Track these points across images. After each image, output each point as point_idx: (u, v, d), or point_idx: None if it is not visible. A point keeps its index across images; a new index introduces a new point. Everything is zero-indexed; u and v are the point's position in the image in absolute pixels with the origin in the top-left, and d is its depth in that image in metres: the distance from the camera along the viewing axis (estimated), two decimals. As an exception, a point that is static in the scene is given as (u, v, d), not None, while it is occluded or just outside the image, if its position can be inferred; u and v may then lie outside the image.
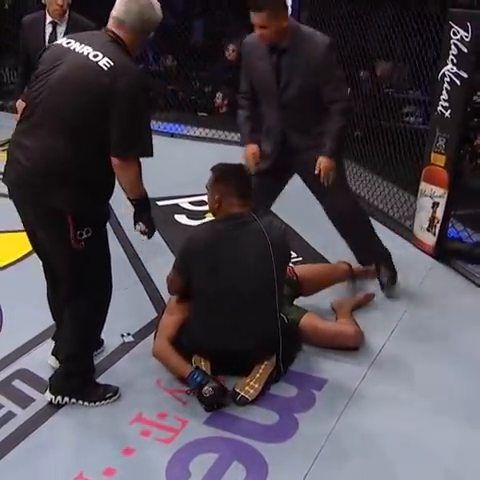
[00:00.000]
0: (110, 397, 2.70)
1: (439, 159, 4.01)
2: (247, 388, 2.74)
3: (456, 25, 3.75)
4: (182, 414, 2.66)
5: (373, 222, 4.68)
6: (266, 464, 2.40)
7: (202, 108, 7.71)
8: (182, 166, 5.68)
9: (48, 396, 2.66)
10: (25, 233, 2.67)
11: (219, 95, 7.60)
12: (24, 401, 2.70)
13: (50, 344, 2.92)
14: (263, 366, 2.80)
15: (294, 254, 4.00)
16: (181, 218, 4.73)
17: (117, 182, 2.51)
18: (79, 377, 2.68)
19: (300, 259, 4.00)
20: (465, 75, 3.76)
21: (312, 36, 3.19)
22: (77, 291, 2.57)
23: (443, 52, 3.89)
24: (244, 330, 2.80)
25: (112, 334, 3.10)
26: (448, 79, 3.85)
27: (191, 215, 4.73)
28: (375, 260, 3.66)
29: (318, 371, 2.96)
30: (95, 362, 2.90)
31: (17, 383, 2.82)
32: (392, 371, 2.98)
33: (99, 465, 2.38)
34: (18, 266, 3.86)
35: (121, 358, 3.02)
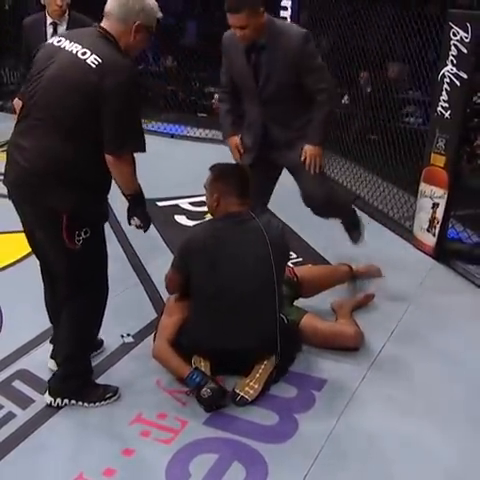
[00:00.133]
0: (110, 397, 2.70)
1: (439, 160, 4.01)
2: (247, 389, 2.74)
3: (456, 26, 3.75)
4: (182, 415, 2.66)
5: (373, 223, 4.73)
6: (266, 464, 2.40)
7: (202, 109, 7.72)
8: (182, 167, 5.68)
9: (47, 398, 2.66)
10: (24, 234, 2.67)
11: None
12: (24, 402, 2.70)
13: (50, 346, 2.92)
14: (263, 366, 2.80)
15: (294, 254, 4.01)
16: (181, 219, 4.73)
17: (114, 181, 2.51)
18: (77, 379, 2.67)
19: (300, 260, 4.00)
20: (465, 76, 3.76)
21: (288, 29, 3.19)
22: (75, 290, 2.57)
23: (443, 53, 3.89)
24: (243, 329, 2.80)
25: (112, 335, 3.10)
26: (448, 80, 3.86)
27: (191, 216, 4.73)
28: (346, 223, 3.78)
29: (318, 371, 2.96)
30: (95, 363, 2.90)
31: (17, 384, 2.81)
32: (392, 372, 2.98)
33: (99, 465, 2.38)
34: (18, 267, 3.86)
35: (121, 359, 3.02)
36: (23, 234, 2.68)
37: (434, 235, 4.10)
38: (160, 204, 4.92)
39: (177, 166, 5.77)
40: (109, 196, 2.60)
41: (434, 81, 4.04)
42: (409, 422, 2.66)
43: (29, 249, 2.76)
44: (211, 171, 2.91)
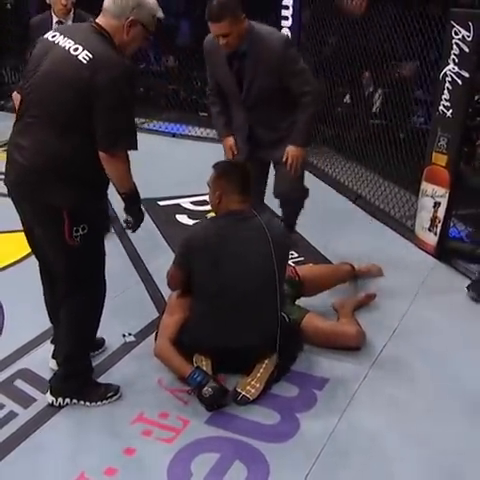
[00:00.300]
0: (111, 396, 2.71)
1: (440, 159, 4.00)
2: (248, 388, 2.74)
3: (458, 25, 3.74)
4: (183, 414, 2.66)
5: (375, 222, 4.73)
6: (267, 464, 2.40)
7: (203, 108, 7.68)
8: (183, 166, 5.67)
9: (49, 398, 2.67)
10: (24, 233, 2.67)
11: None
12: (26, 401, 2.71)
13: (51, 345, 2.92)
14: (264, 365, 2.80)
15: (295, 253, 4.01)
16: (182, 218, 4.73)
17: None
18: (78, 378, 2.68)
19: (302, 259, 4.00)
20: (467, 75, 3.76)
21: (268, 35, 3.19)
22: (74, 288, 2.57)
23: (445, 52, 3.88)
24: (245, 327, 2.80)
25: (113, 334, 3.11)
26: (450, 79, 3.85)
27: (192, 215, 4.72)
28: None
29: (319, 371, 2.96)
30: (96, 362, 2.90)
31: (19, 383, 2.82)
32: (393, 371, 2.98)
33: (100, 465, 2.39)
34: (19, 266, 3.85)
35: (122, 358, 3.02)
36: (24, 233, 2.68)
37: (435, 234, 4.10)
38: (161, 203, 4.92)
39: (178, 165, 5.77)
40: (109, 194, 2.60)
41: (436, 80, 4.04)
42: (410, 421, 2.66)
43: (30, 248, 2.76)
44: (214, 169, 2.93)
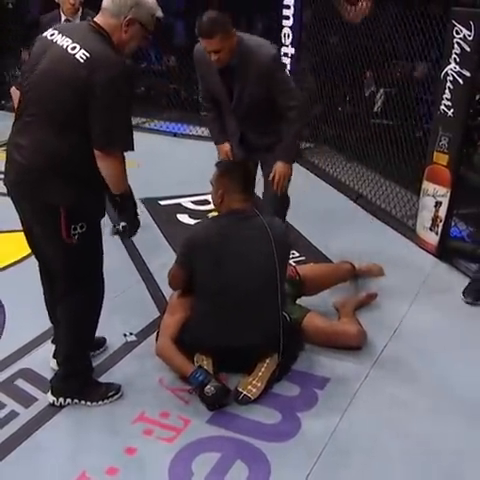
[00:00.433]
0: (112, 396, 2.71)
1: (442, 158, 4.00)
2: (249, 387, 2.74)
3: (459, 24, 3.74)
4: (185, 413, 2.66)
5: (376, 221, 4.73)
6: (269, 463, 2.40)
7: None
8: (184, 165, 5.68)
9: (50, 398, 2.67)
10: (23, 232, 2.67)
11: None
12: (27, 400, 2.71)
13: (52, 345, 2.92)
14: (265, 364, 2.80)
15: (296, 253, 4.01)
16: (183, 217, 4.73)
17: None
18: (78, 378, 2.68)
19: (303, 258, 4.00)
20: (468, 74, 3.75)
21: (257, 49, 3.16)
22: (72, 286, 2.56)
23: (446, 51, 3.88)
24: (246, 326, 2.80)
25: (115, 333, 3.11)
26: (451, 78, 3.85)
27: (193, 214, 4.72)
28: None
29: (320, 370, 2.96)
30: (98, 361, 2.90)
31: (20, 382, 2.82)
32: (394, 370, 2.97)
33: (102, 464, 2.39)
34: (20, 265, 3.85)
35: (124, 357, 3.02)
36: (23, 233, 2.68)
37: (437, 234, 4.10)
38: (162, 203, 4.92)
39: (179, 165, 5.77)
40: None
41: (437, 79, 4.03)
42: (411, 421, 2.66)
43: (31, 248, 2.76)
44: (217, 167, 2.94)
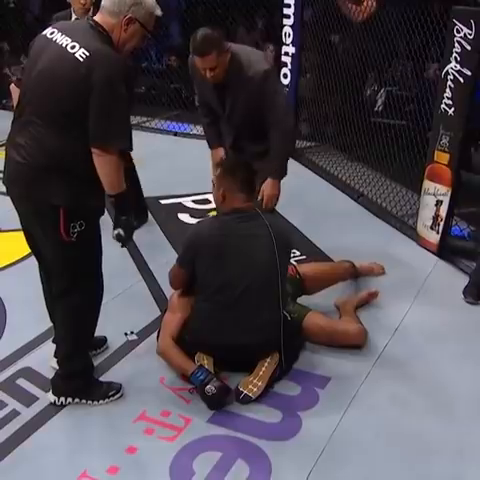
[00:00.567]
0: (113, 395, 2.71)
1: (442, 157, 4.00)
2: (250, 386, 2.74)
3: (460, 23, 3.74)
4: (186, 412, 2.66)
5: (376, 220, 4.73)
6: (270, 462, 2.41)
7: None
8: (185, 165, 5.68)
9: (51, 397, 2.67)
10: (22, 231, 2.67)
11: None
12: (28, 399, 2.71)
13: (53, 345, 2.93)
14: (266, 363, 2.81)
15: (297, 252, 4.01)
16: (184, 217, 4.73)
17: None
18: (78, 377, 2.68)
19: (304, 257, 4.00)
20: (469, 73, 3.75)
21: (249, 65, 3.15)
22: (71, 285, 2.56)
23: (447, 50, 3.88)
24: (247, 325, 2.80)
25: (116, 332, 3.11)
26: (452, 77, 3.84)
27: (194, 214, 4.72)
28: None
29: (321, 369, 2.96)
30: (99, 361, 2.91)
31: (21, 381, 2.82)
32: (395, 369, 2.97)
33: (103, 463, 2.39)
34: (21, 265, 3.85)
35: (125, 356, 3.02)
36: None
37: (437, 232, 4.10)
38: (163, 202, 4.92)
39: (180, 164, 5.77)
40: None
41: (438, 78, 4.03)
42: (412, 419, 2.66)
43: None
44: (220, 167, 2.95)
